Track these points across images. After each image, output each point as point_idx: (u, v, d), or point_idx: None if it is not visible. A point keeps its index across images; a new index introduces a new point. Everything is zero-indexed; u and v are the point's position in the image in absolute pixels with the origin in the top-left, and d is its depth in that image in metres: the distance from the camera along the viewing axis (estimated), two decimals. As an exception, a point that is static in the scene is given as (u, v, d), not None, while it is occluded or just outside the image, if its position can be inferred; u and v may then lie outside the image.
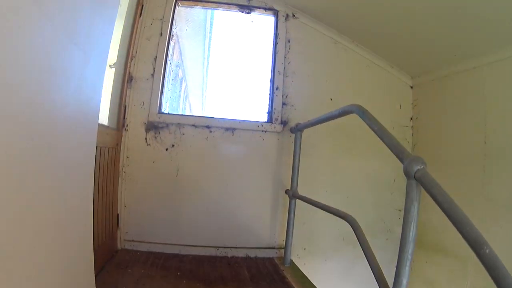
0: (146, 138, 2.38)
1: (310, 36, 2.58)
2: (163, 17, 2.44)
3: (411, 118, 2.66)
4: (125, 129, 2.37)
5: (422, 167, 0.96)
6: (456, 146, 2.30)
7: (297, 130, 2.25)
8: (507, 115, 1.98)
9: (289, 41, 2.54)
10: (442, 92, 2.43)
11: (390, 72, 2.67)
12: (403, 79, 2.69)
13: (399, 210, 2.57)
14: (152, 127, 2.37)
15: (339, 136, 2.53)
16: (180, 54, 3.07)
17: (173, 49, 2.49)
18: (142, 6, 2.44)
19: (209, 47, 3.27)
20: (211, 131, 2.37)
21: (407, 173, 0.98)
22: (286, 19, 2.54)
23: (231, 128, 2.38)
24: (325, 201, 1.82)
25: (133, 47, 2.39)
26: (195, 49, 3.14)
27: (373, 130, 1.23)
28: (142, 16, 2.44)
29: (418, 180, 0.96)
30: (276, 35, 2.53)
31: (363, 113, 1.33)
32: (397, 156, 1.05)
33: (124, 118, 2.36)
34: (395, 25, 2.29)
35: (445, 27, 2.05)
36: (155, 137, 2.37)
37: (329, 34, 2.61)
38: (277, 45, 2.51)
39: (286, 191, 2.37)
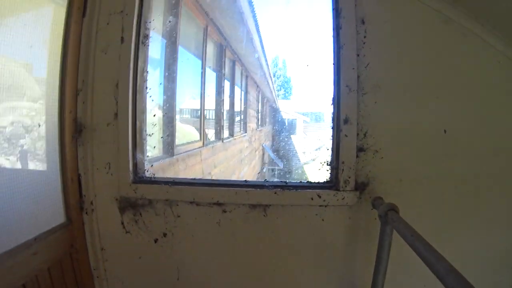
0: (122, 222, 1.41)
1: (402, 9, 1.28)
2: (125, 7, 1.35)
3: None
4: (85, 212, 1.42)
5: None
6: None
7: (386, 216, 1.09)
8: None
9: (363, 22, 1.28)
10: None
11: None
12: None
13: None
14: (128, 205, 1.39)
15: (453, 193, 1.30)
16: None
17: (146, 56, 1.40)
18: (87, -4, 1.37)
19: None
20: (225, 211, 1.31)
21: None
22: (355, -24, 1.27)
23: (261, 204, 1.28)
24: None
25: (77, 74, 1.38)
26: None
27: None
28: (87, 13, 1.37)
29: None
30: (337, 11, 1.29)
31: None
32: None
33: (81, 196, 1.41)
34: None
35: None
36: (136, 221, 1.40)
37: (436, 6, 1.28)
38: (340, 31, 1.27)
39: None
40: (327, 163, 1.30)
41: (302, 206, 1.27)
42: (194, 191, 1.30)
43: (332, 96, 1.27)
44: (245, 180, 1.30)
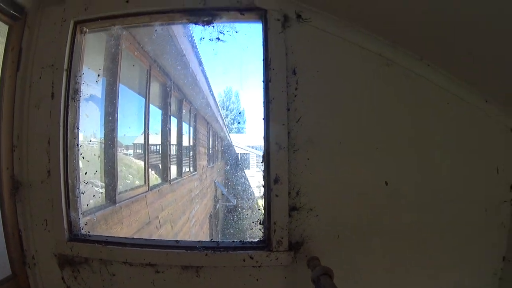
0: (63, 277, 1.39)
1: (337, 55, 1.22)
2: (55, 61, 1.32)
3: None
4: (28, 266, 1.41)
5: None
6: None
7: (318, 281, 1.04)
8: None
9: (294, 73, 1.21)
10: None
11: (483, 109, 1.22)
12: (502, 120, 1.22)
13: None
14: (66, 261, 1.37)
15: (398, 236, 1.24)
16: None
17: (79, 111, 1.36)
18: (21, 49, 1.35)
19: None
20: (158, 271, 1.27)
21: None
22: (283, 25, 1.20)
23: (193, 266, 1.24)
24: None
25: (12, 130, 1.36)
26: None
27: None
28: (21, 67, 1.35)
29: None
30: (267, 61, 1.22)
31: None
32: None
33: (22, 250, 1.40)
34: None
35: None
36: (75, 277, 1.38)
37: (375, 49, 1.21)
38: (270, 84, 1.21)
39: None
40: (260, 222, 1.24)
41: (235, 268, 1.22)
42: (126, 252, 1.27)
43: (263, 153, 1.22)
44: (177, 241, 1.27)
